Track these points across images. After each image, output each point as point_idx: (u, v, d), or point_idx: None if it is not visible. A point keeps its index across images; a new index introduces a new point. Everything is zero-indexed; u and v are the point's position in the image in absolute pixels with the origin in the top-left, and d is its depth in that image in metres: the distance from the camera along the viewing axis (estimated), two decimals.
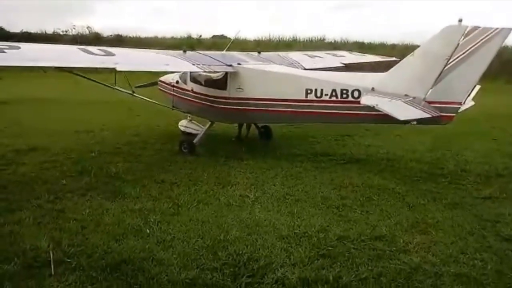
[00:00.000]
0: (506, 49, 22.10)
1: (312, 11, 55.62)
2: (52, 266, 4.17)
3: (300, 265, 4.35)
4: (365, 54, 14.19)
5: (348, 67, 11.47)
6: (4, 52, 5.96)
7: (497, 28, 6.23)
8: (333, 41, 29.30)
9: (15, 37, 26.79)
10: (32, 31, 30.76)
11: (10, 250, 4.49)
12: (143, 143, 9.63)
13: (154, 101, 9.68)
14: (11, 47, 6.22)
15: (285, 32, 38.38)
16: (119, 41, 28.53)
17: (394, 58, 11.44)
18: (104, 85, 8.37)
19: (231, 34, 28.21)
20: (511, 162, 8.45)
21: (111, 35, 30.82)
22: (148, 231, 5.05)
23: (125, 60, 7.12)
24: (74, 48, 7.21)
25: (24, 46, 6.48)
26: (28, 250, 4.48)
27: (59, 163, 7.85)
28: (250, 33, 34.85)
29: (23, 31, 30.63)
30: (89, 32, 30.97)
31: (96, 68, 7.72)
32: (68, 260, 4.31)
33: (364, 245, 4.81)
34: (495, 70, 18.81)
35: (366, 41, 29.38)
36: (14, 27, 31.14)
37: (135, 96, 8.92)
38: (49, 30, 31.31)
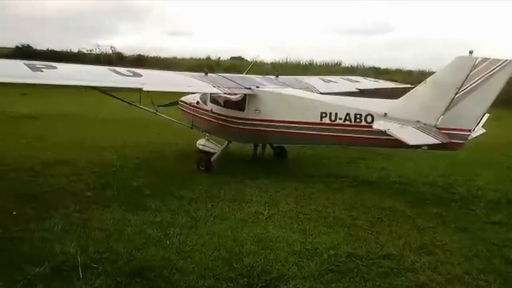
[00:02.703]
0: None
1: (329, 35, 56.53)
2: (80, 270, 4.50)
3: (311, 278, 4.60)
4: (379, 80, 14.45)
5: (363, 92, 11.75)
6: (42, 71, 6.43)
7: (506, 60, 6.50)
8: (349, 66, 29.73)
9: (41, 55, 27.90)
10: (57, 49, 31.96)
11: (42, 254, 4.84)
12: (162, 160, 10.03)
13: (174, 120, 10.10)
14: (48, 67, 6.69)
15: (302, 56, 38.91)
16: (140, 60, 29.45)
17: (408, 85, 11.66)
18: (130, 103, 8.81)
19: (248, 56, 29.01)
20: None
21: (133, 55, 31.83)
22: (168, 242, 5.37)
23: (151, 81, 7.53)
24: (104, 69, 7.67)
25: (60, 66, 6.95)
26: (58, 254, 4.84)
27: (84, 176, 8.25)
28: (268, 56, 35.56)
29: (49, 49, 31.82)
30: (112, 52, 32.04)
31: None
32: (95, 266, 4.64)
33: (372, 262, 5.03)
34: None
35: (382, 66, 29.77)
36: (40, 45, 32.36)
37: (158, 114, 9.33)
38: (74, 49, 32.52)
